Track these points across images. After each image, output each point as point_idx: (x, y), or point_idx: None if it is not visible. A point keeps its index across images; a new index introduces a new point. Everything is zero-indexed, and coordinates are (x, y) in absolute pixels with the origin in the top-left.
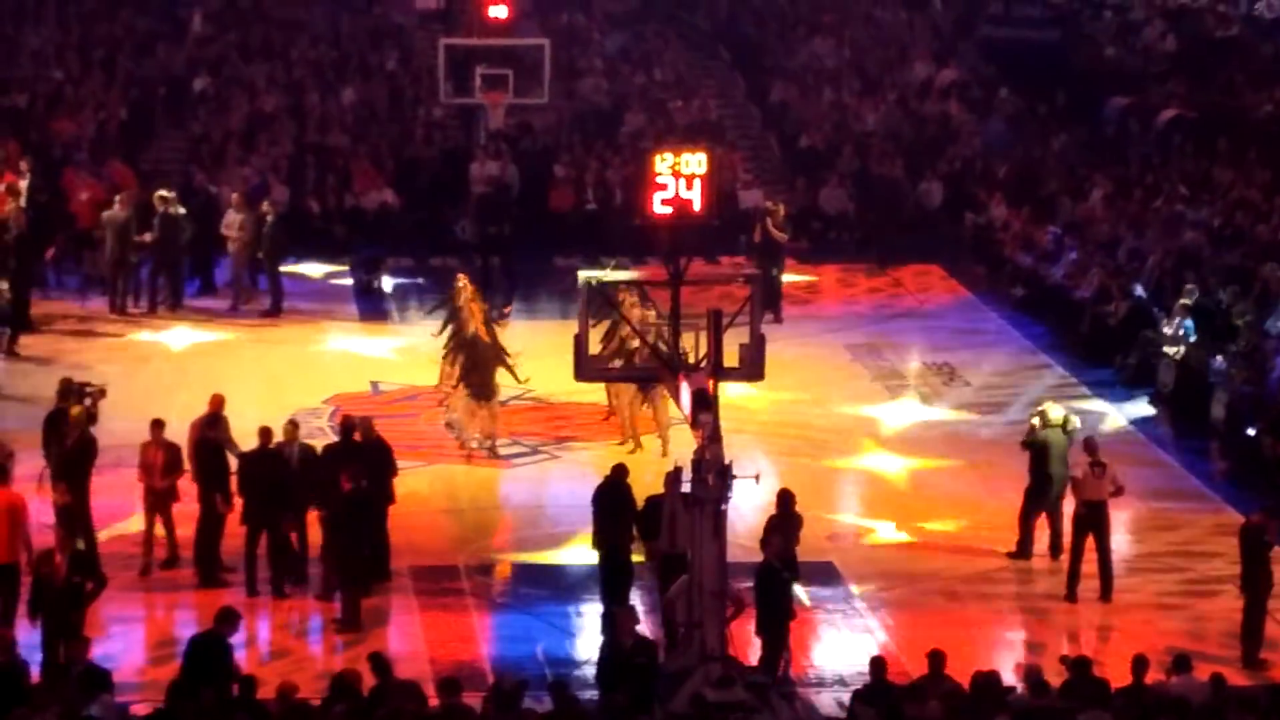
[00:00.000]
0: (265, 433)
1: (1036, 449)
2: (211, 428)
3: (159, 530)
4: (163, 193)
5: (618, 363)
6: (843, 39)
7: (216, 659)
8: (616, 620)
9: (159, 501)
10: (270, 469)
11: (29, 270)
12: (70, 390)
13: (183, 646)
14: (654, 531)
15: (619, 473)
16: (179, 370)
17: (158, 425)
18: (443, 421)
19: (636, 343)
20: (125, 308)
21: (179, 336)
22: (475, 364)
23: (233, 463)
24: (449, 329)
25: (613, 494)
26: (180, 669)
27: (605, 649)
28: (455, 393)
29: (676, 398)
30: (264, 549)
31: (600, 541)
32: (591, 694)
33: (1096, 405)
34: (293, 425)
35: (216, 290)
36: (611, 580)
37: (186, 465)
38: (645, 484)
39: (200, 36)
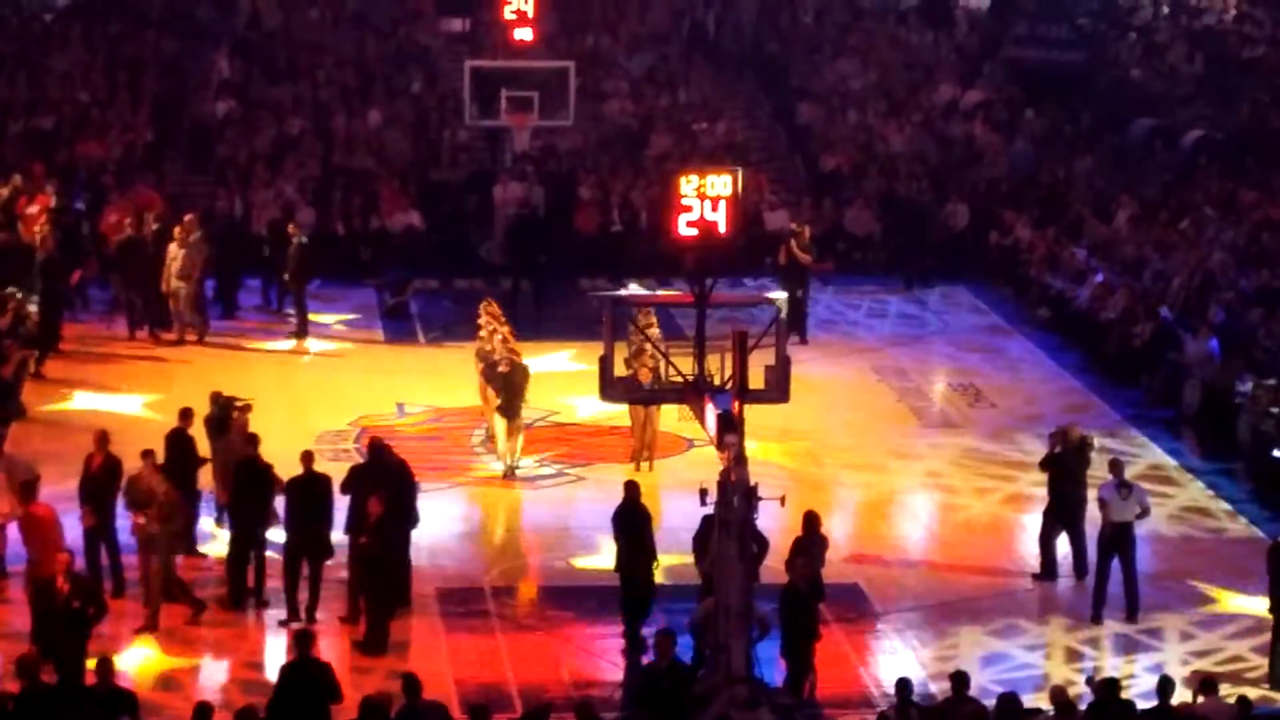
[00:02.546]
0: (307, 457)
1: (1055, 469)
2: (250, 445)
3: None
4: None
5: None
6: (868, 61)
7: (320, 681)
8: (656, 643)
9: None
10: (312, 494)
11: (57, 292)
12: (219, 403)
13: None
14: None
15: (632, 492)
16: (206, 393)
17: (148, 455)
18: (474, 442)
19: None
20: (151, 330)
21: (204, 358)
22: (503, 384)
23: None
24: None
25: (629, 514)
26: (278, 694)
27: (629, 671)
28: (493, 415)
29: (701, 419)
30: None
31: (620, 562)
32: (615, 715)
33: (1122, 427)
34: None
35: (239, 313)
36: (631, 601)
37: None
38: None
39: (226, 81)
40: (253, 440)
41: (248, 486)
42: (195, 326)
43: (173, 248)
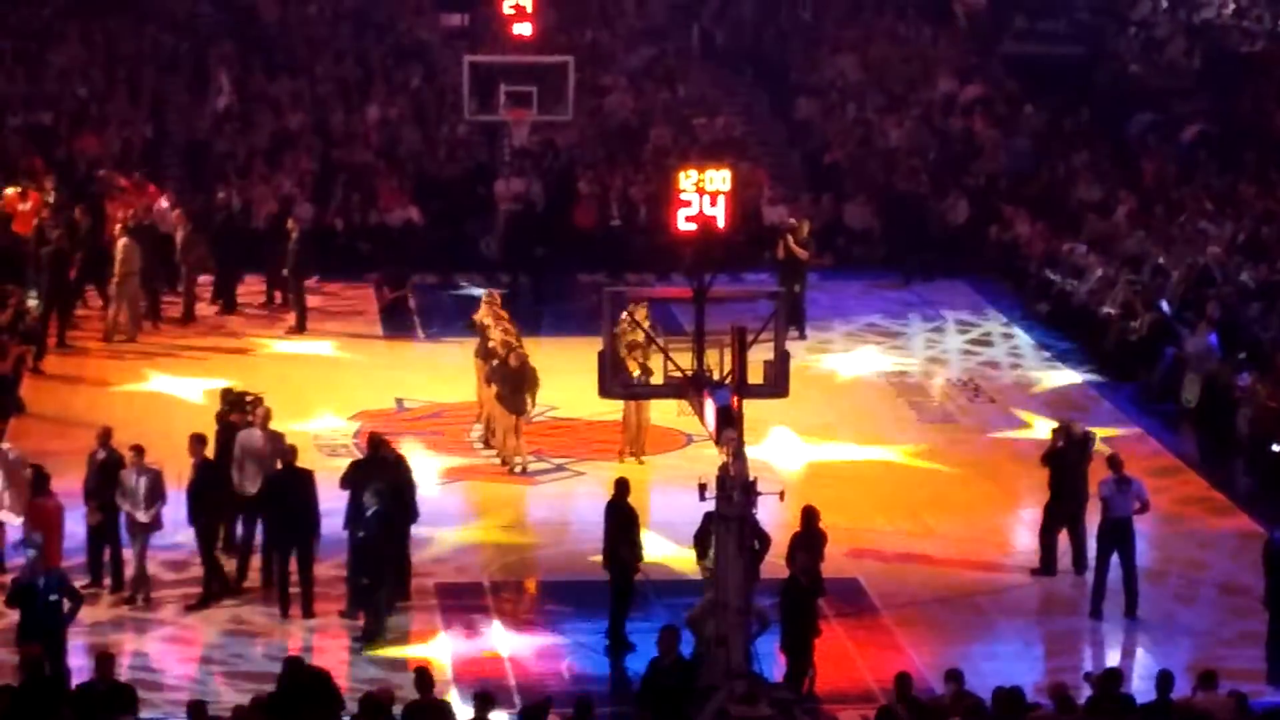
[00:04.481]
0: (291, 451)
1: (1057, 464)
2: (202, 446)
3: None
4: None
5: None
6: (867, 55)
7: (322, 687)
8: (660, 640)
9: (143, 531)
10: (294, 488)
11: (63, 288)
12: (232, 399)
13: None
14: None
15: (621, 488)
16: (206, 389)
17: (138, 450)
18: (472, 437)
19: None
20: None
21: (204, 354)
22: (505, 379)
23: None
24: (482, 345)
25: (616, 510)
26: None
27: (615, 666)
28: (495, 410)
29: (700, 413)
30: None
31: (608, 558)
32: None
33: (1121, 420)
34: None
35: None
36: (620, 597)
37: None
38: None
39: (226, 95)
40: (202, 441)
41: (207, 486)
42: (128, 325)
43: (121, 242)
